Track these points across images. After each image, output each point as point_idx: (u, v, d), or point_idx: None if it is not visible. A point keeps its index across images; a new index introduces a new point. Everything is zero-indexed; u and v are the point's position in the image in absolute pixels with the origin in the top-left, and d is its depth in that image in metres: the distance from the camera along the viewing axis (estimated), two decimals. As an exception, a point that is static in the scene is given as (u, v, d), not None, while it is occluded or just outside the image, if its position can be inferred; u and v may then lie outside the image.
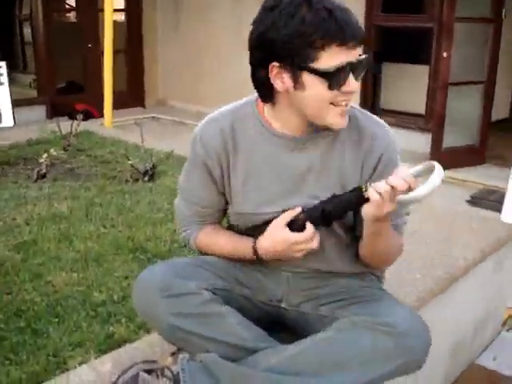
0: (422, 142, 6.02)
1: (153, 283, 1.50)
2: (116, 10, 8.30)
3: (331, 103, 1.42)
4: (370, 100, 6.81)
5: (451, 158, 5.62)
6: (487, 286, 2.63)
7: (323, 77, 1.36)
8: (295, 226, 1.50)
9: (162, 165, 3.70)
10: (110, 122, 5.70)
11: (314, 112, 1.45)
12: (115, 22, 7.88)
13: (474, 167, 5.82)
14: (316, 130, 1.53)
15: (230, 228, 1.73)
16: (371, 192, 1.37)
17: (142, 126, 4.13)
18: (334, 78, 1.37)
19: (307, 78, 1.38)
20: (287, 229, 1.50)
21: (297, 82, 1.40)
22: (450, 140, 5.82)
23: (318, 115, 1.45)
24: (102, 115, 5.98)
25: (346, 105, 1.44)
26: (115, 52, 6.68)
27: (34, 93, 8.20)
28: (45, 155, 3.62)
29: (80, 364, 1.67)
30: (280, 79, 1.41)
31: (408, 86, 6.86)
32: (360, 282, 1.66)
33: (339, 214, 1.49)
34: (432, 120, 5.96)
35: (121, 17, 8.75)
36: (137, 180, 3.53)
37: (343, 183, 1.55)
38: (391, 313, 1.45)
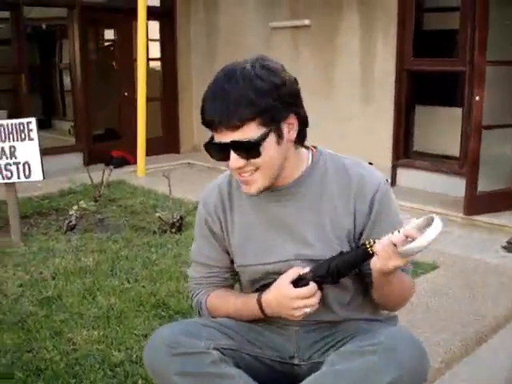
0: (456, 185, 5.91)
1: (161, 341, 1.50)
2: (152, 59, 8.53)
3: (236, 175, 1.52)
4: (403, 143, 6.75)
5: (486, 203, 5.51)
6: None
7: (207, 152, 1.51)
8: (301, 283, 1.50)
9: (190, 215, 3.72)
10: (142, 171, 5.78)
11: None
12: (152, 71, 8.08)
13: (510, 211, 5.69)
14: (300, 179, 1.58)
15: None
16: (376, 248, 1.39)
17: (175, 173, 4.18)
18: (211, 153, 1.50)
19: None
20: (291, 285, 1.50)
21: None
22: (484, 184, 5.71)
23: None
24: (136, 162, 6.07)
25: (242, 176, 1.50)
26: (151, 99, 6.84)
27: (72, 139, 8.39)
28: (75, 207, 3.67)
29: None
30: None
31: (441, 128, 6.79)
32: (368, 326, 1.63)
33: (346, 272, 1.50)
34: (466, 163, 5.87)
35: (157, 65, 8.96)
36: (165, 231, 3.54)
37: (335, 227, 1.56)
38: (378, 334, 1.45)
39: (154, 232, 3.55)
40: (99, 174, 4.38)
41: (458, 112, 6.32)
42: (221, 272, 1.71)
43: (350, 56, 6.67)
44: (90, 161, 7.54)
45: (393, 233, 1.38)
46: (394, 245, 1.36)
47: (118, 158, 7.47)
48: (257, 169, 1.48)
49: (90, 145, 8.06)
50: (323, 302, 1.55)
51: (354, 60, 6.67)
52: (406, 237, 1.36)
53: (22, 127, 3.20)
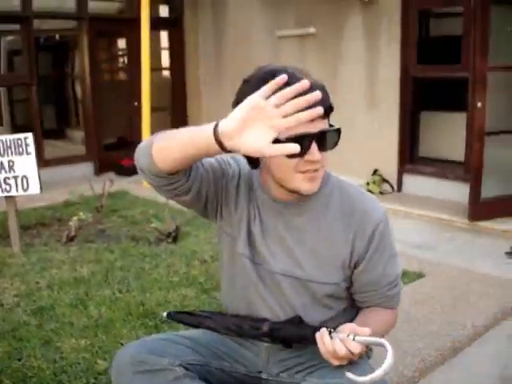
0: (461, 191, 5.92)
1: (125, 359, 1.56)
2: (161, 69, 8.65)
3: (298, 171, 1.45)
4: (408, 149, 6.77)
5: (490, 208, 5.51)
6: (502, 354, 2.54)
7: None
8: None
9: (187, 226, 3.79)
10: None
11: (280, 177, 1.50)
12: (161, 80, 8.17)
13: (514, 217, 5.67)
14: (305, 198, 1.57)
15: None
16: (319, 337, 1.45)
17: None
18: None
19: None
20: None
21: None
22: (488, 190, 5.70)
23: (284, 180, 1.50)
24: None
25: (316, 170, 1.47)
26: (161, 109, 6.92)
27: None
28: (74, 218, 3.75)
29: None
30: None
31: (447, 134, 6.80)
32: None
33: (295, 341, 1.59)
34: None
35: (166, 74, 9.06)
36: (161, 241, 3.61)
37: (331, 254, 1.59)
38: (354, 365, 1.45)
39: (151, 242, 3.62)
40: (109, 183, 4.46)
41: (462, 117, 6.31)
42: (197, 166, 1.52)
43: (355, 63, 6.71)
44: (100, 170, 7.67)
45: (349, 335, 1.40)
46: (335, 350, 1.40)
47: (127, 167, 7.58)
48: (319, 170, 1.48)
49: (101, 154, 8.17)
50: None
51: (359, 67, 6.71)
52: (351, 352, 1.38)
53: (19, 142, 3.29)
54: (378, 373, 1.34)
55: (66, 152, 8.57)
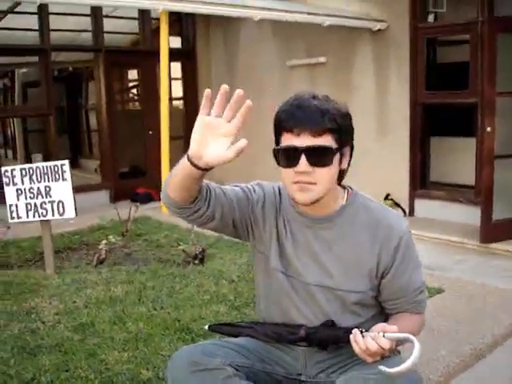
0: (472, 214, 6.02)
1: (182, 360, 1.71)
2: (175, 99, 8.83)
3: (292, 181, 1.65)
4: (419, 174, 6.89)
5: (502, 230, 5.63)
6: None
7: (275, 156, 1.66)
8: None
9: (211, 248, 3.95)
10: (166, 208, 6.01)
11: (286, 188, 1.72)
12: (175, 110, 8.37)
13: (525, 239, 5.78)
14: (334, 214, 1.76)
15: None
16: (352, 337, 1.61)
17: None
18: (279, 157, 1.65)
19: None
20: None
21: None
22: (499, 212, 5.81)
23: (287, 191, 1.71)
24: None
25: (307, 183, 1.64)
26: (175, 138, 7.10)
27: (98, 178, 8.68)
28: (104, 241, 3.92)
29: None
30: None
31: (457, 159, 6.92)
32: None
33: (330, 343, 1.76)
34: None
35: (180, 104, 9.26)
36: (188, 263, 3.76)
37: (358, 264, 1.75)
38: (386, 359, 1.59)
39: (179, 264, 3.78)
40: (125, 210, 4.62)
41: (472, 142, 6.40)
42: (223, 193, 1.75)
43: (365, 91, 6.87)
44: (116, 198, 7.79)
45: (379, 333, 1.57)
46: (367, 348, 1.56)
47: (142, 195, 7.73)
48: (315, 184, 1.65)
49: (116, 182, 8.31)
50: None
51: (368, 94, 6.88)
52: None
53: (56, 169, 3.48)
54: (406, 364, 1.49)
55: (79, 181, 8.75)
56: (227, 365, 1.70)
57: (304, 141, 1.62)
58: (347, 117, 1.69)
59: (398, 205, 6.53)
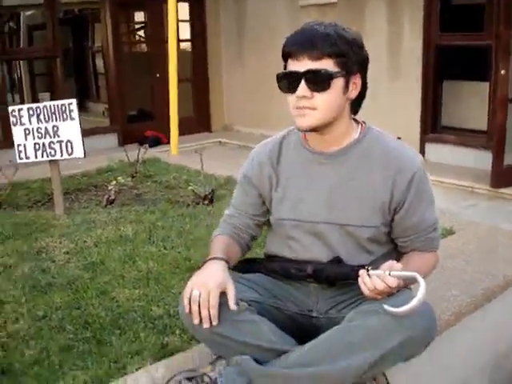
0: (483, 159, 6.00)
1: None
2: (183, 41, 8.70)
3: (293, 107, 1.68)
4: (431, 118, 6.83)
5: (513, 175, 5.62)
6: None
7: (278, 84, 1.70)
8: None
9: (221, 189, 3.93)
10: (176, 150, 6.00)
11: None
12: (182, 52, 8.27)
13: (536, 183, 5.76)
14: (346, 149, 1.75)
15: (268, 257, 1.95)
16: (360, 279, 1.61)
17: (207, 151, 4.40)
18: (281, 83, 1.69)
19: None
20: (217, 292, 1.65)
21: None
22: (511, 157, 5.78)
23: (294, 118, 1.71)
24: (170, 141, 6.31)
25: (307, 108, 1.65)
26: (182, 80, 7.02)
27: (106, 121, 8.66)
28: (113, 182, 3.90)
29: (137, 369, 1.88)
30: None
31: (469, 103, 6.85)
32: None
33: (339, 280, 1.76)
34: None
35: (187, 46, 9.14)
36: (197, 203, 3.75)
37: (370, 197, 1.74)
38: (394, 297, 1.60)
39: (188, 204, 3.77)
40: (134, 153, 4.60)
41: (485, 86, 6.39)
42: (246, 215, 1.93)
43: (377, 32, 6.76)
44: (124, 141, 7.81)
45: (385, 272, 1.55)
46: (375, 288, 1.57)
47: (151, 138, 7.71)
48: (314, 109, 1.65)
49: (125, 126, 8.30)
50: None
51: (380, 36, 6.76)
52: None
53: (63, 108, 3.43)
54: (411, 304, 1.49)
55: (87, 124, 8.75)
56: (238, 299, 1.70)
57: (303, 65, 1.63)
58: (353, 43, 1.66)
59: (408, 149, 6.48)
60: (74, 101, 3.43)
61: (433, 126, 6.86)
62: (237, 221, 1.95)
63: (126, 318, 2.28)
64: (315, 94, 1.63)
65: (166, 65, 6.61)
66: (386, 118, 6.53)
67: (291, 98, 1.67)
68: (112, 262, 2.84)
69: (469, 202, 5.55)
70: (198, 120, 9.00)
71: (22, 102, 9.95)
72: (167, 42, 6.24)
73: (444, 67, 6.71)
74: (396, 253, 1.85)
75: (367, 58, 1.72)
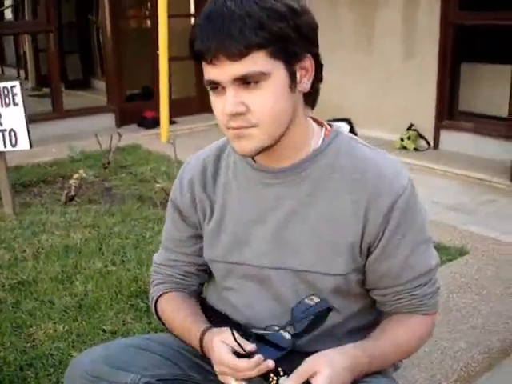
0: (503, 149, 5.58)
1: (79, 372, 1.22)
2: (185, 16, 8.29)
3: (226, 127, 1.15)
4: (447, 103, 6.38)
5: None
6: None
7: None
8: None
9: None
10: (165, 136, 5.58)
11: None
12: (185, 28, 7.80)
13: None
14: (302, 163, 1.22)
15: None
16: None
17: (199, 136, 3.92)
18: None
19: None
20: (230, 353, 1.15)
21: None
22: (535, 148, 5.35)
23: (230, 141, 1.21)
24: (170, 122, 5.96)
25: (243, 127, 1.12)
26: (184, 58, 6.57)
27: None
28: (75, 176, 3.43)
29: None
30: None
31: (490, 87, 6.43)
32: None
33: None
34: (514, 125, 5.52)
35: (190, 22, 8.72)
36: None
37: (334, 235, 1.20)
38: None
39: (158, 204, 3.30)
40: (131, 135, 4.15)
41: (507, 69, 5.99)
42: (183, 263, 1.39)
43: (391, 8, 6.33)
44: (122, 121, 7.44)
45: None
46: None
47: (150, 119, 7.34)
48: (255, 126, 1.12)
49: (122, 105, 7.93)
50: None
51: (395, 13, 6.35)
52: None
53: (5, 91, 2.92)
54: None
55: (88, 103, 8.36)
56: (144, 383, 1.21)
57: (223, 71, 1.09)
58: (290, 14, 1.09)
59: (421, 136, 6.12)
60: (17, 83, 2.93)
61: (449, 111, 6.43)
62: (174, 271, 1.41)
63: (37, 366, 1.81)
64: (251, 105, 1.11)
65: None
66: (398, 101, 6.12)
67: (221, 118, 1.14)
68: (45, 281, 2.41)
69: (486, 197, 5.12)
70: (199, 100, 8.58)
71: (27, 79, 9.74)
72: (169, 17, 5.82)
73: (463, 48, 6.28)
74: (376, 312, 1.32)
75: (315, 25, 1.16)
